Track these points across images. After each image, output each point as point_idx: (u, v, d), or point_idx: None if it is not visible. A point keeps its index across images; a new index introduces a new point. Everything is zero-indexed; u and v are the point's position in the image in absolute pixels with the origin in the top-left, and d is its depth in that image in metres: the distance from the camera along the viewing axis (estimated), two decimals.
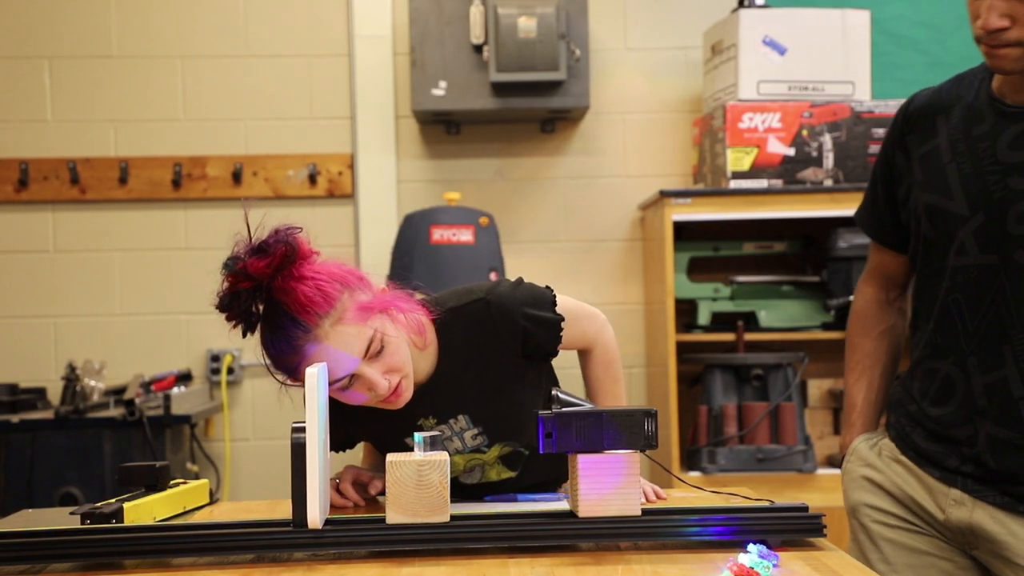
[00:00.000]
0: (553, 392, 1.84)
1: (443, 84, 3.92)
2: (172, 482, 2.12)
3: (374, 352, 1.90)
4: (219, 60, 4.20)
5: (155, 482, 2.06)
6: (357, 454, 2.39)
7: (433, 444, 1.83)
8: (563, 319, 2.07)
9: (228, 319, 1.90)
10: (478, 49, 3.92)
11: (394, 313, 1.96)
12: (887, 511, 2.08)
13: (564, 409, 1.82)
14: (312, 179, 4.18)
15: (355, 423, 2.08)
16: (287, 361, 1.91)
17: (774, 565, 1.62)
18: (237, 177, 4.15)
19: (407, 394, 1.96)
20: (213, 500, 2.24)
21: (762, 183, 3.65)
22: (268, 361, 1.94)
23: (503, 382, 2.07)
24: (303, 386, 1.79)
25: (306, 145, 4.21)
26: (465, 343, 2.05)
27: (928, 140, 2.00)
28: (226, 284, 1.88)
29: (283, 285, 1.87)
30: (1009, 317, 1.86)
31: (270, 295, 1.88)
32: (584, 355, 2.22)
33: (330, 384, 1.89)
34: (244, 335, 1.92)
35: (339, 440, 2.07)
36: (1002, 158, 1.87)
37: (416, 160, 4.22)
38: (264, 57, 4.20)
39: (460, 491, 2.10)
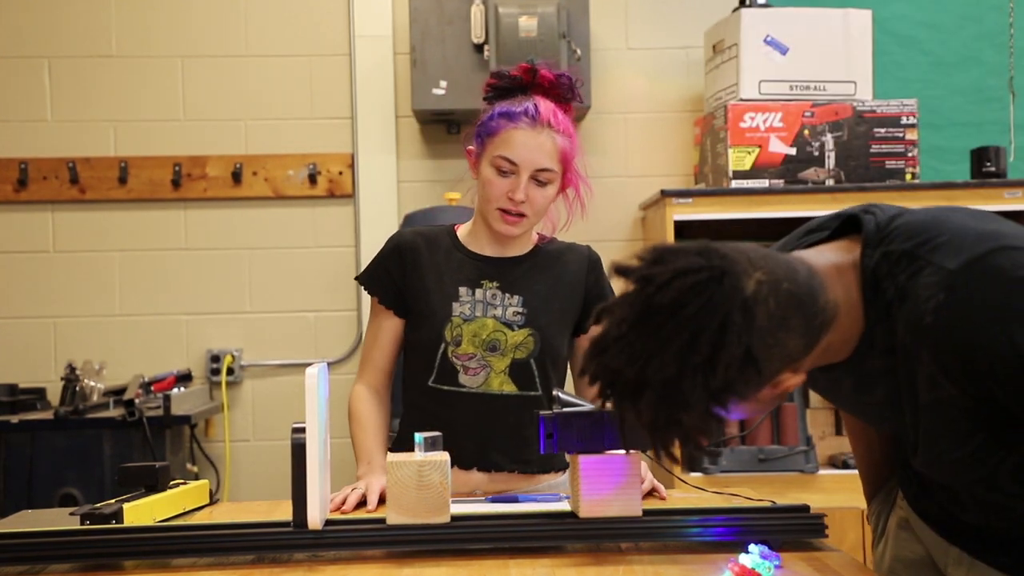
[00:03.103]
0: (554, 392, 1.86)
1: (444, 84, 3.91)
2: (172, 483, 2.12)
3: (541, 178, 2.29)
4: (219, 60, 4.19)
5: (155, 483, 2.06)
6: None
7: (433, 444, 1.83)
8: None
9: (495, 81, 2.38)
10: (479, 48, 3.91)
11: (565, 192, 2.39)
12: None
13: (565, 409, 1.82)
14: (312, 179, 4.17)
15: (419, 269, 2.36)
16: (498, 123, 2.30)
17: (776, 566, 1.61)
18: (237, 177, 4.15)
19: (520, 229, 2.33)
20: (213, 501, 2.23)
21: (763, 183, 3.64)
22: (484, 119, 2.34)
23: (562, 299, 2.37)
24: (478, 156, 2.32)
25: (306, 145, 4.20)
26: (557, 254, 2.42)
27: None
28: (518, 69, 2.36)
29: (548, 95, 2.34)
30: None
31: (533, 91, 2.34)
32: None
33: (501, 157, 2.27)
34: (488, 97, 2.38)
35: (393, 296, 2.38)
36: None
37: (416, 160, 4.21)
38: (264, 57, 4.20)
39: (461, 402, 2.30)
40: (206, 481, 2.24)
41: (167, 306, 4.18)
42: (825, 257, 1.54)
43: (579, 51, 3.91)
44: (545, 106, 2.29)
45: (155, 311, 4.17)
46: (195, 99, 4.19)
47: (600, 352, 1.39)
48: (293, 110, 4.20)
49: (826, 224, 1.62)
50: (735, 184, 3.64)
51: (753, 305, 1.37)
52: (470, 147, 2.37)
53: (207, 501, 2.19)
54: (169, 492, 2.06)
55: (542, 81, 2.33)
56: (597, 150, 4.23)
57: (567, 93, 2.35)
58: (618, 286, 1.42)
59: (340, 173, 4.18)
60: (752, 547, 1.65)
